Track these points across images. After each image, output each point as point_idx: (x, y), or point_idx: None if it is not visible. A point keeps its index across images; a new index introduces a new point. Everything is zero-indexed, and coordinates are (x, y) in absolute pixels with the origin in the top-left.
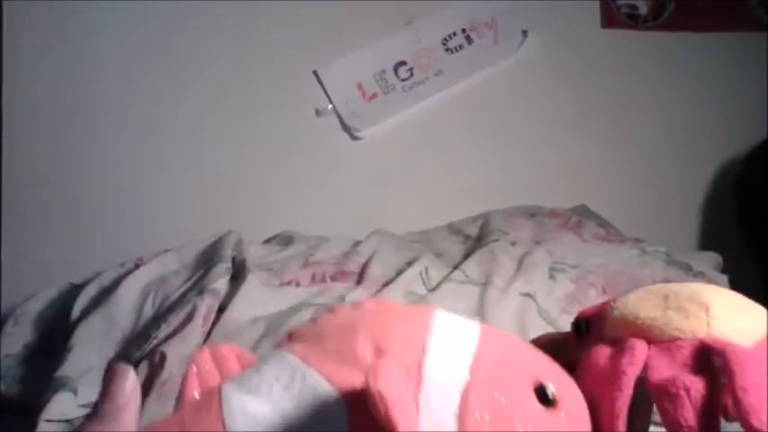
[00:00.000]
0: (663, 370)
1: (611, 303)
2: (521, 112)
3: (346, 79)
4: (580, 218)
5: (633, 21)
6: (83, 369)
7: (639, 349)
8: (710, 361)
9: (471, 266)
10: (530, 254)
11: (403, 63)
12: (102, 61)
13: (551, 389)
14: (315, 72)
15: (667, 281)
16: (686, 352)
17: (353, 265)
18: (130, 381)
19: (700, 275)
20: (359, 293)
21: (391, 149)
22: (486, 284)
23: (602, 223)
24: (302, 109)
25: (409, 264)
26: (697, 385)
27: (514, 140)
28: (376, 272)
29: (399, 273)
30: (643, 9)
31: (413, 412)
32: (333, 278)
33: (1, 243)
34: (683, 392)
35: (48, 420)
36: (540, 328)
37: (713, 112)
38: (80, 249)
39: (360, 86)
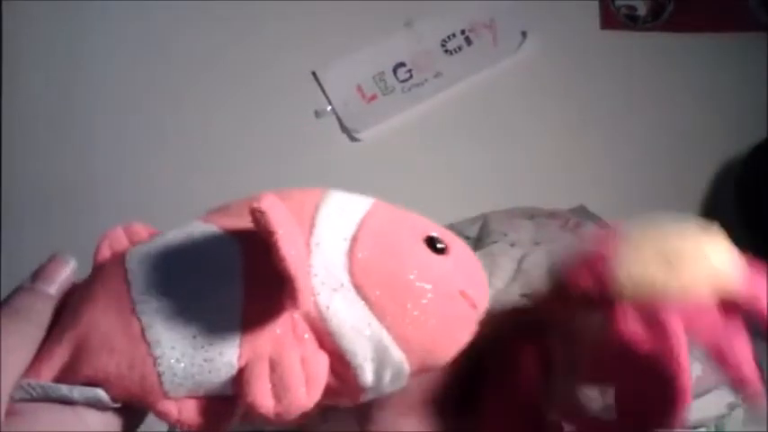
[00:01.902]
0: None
1: (609, 260)
2: (520, 112)
3: (345, 80)
4: (579, 219)
5: (632, 21)
6: None
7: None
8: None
9: None
10: (529, 255)
11: (402, 64)
12: (102, 61)
13: (440, 239)
14: (314, 73)
15: None
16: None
17: None
18: (68, 269)
19: None
20: None
21: (391, 151)
22: None
23: (602, 224)
24: (301, 110)
25: None
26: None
27: (514, 141)
28: None
29: None
30: (642, 10)
31: (299, 241)
32: None
33: (1, 243)
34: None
35: None
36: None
37: (713, 112)
38: (80, 249)
39: (359, 88)
